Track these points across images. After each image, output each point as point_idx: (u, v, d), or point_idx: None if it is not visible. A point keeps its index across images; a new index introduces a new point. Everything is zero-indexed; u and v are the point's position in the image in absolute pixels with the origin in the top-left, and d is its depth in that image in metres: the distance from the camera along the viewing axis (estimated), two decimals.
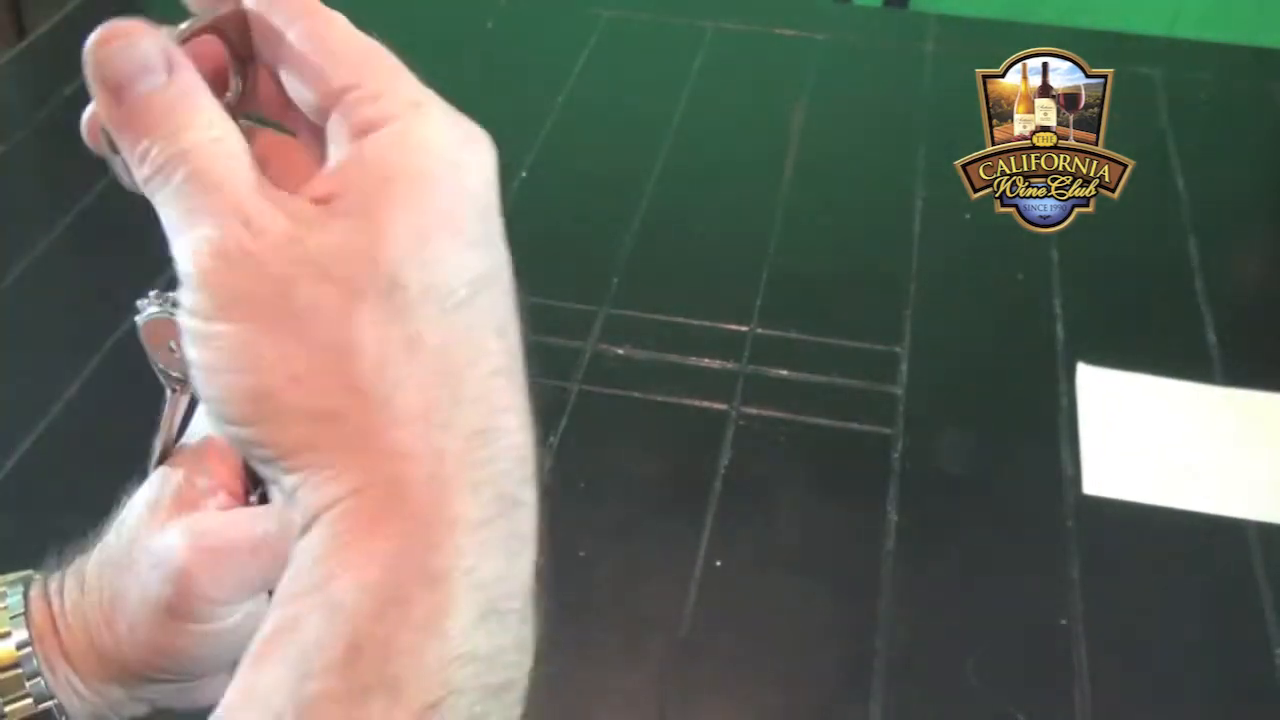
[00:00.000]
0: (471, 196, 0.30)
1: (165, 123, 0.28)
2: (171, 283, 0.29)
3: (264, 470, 0.28)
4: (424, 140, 0.29)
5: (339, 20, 0.31)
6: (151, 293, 0.36)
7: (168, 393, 0.38)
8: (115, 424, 0.40)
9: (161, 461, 0.40)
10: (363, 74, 0.30)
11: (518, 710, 0.28)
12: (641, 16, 1.28)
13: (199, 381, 0.28)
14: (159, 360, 0.37)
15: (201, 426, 0.41)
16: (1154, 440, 0.83)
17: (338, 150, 0.29)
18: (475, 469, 0.27)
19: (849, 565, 0.75)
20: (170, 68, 0.29)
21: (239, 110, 0.32)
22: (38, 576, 0.43)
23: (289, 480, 0.27)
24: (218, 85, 0.31)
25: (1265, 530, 0.77)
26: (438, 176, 0.29)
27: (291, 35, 0.30)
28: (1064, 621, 0.71)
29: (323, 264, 0.27)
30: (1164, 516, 0.78)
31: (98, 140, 0.30)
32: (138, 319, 0.36)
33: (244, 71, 0.32)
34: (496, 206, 0.31)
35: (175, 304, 0.34)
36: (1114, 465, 0.81)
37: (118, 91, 0.28)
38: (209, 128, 0.28)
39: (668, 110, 1.14)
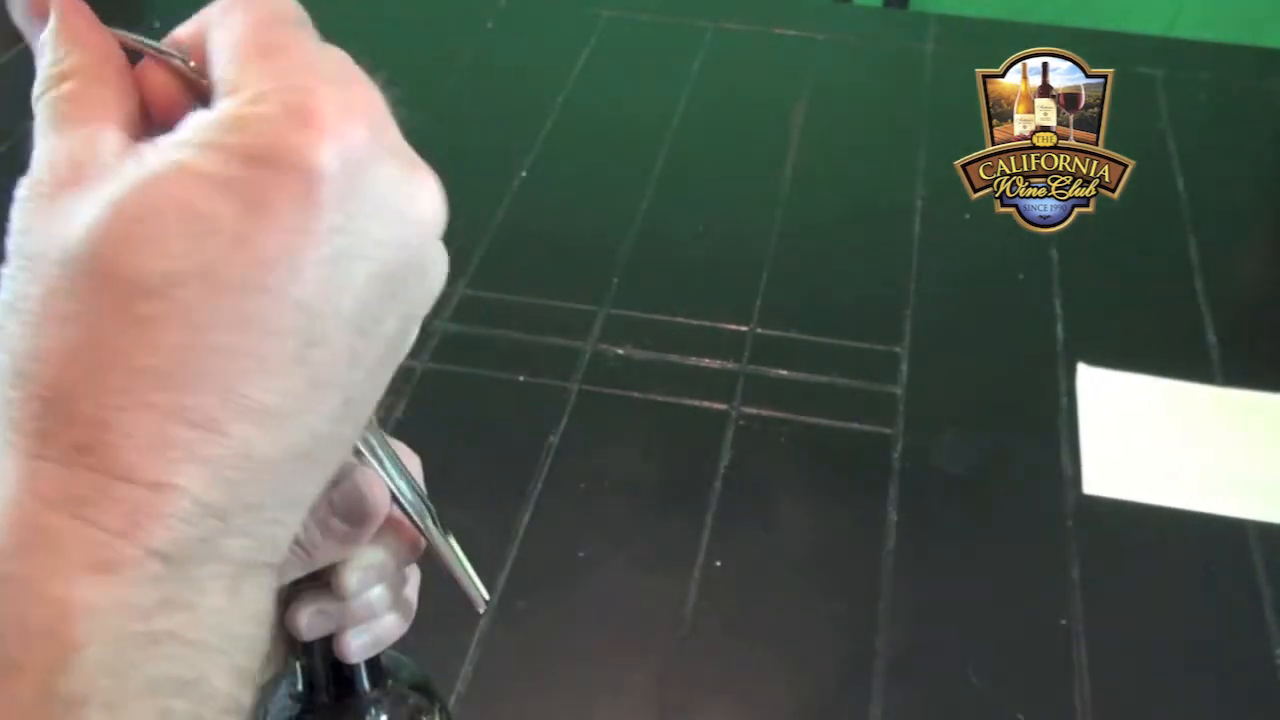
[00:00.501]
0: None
1: (41, 65, 0.29)
2: None
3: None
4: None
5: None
6: None
7: None
8: None
9: None
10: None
11: (203, 660, 0.26)
12: (641, 16, 1.28)
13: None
14: None
15: None
16: (1154, 440, 0.83)
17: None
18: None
19: (849, 565, 0.75)
20: (44, 11, 0.29)
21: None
22: None
23: None
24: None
25: (1265, 530, 0.77)
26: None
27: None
28: (1064, 621, 0.71)
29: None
30: (1164, 516, 0.78)
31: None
32: None
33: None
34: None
35: None
36: (1114, 465, 0.81)
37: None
38: (63, 64, 0.29)
39: (668, 110, 1.14)
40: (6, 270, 0.26)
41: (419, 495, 0.39)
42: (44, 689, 0.24)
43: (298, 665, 0.41)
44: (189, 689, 0.25)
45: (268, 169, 0.25)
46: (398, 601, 0.41)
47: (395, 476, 0.38)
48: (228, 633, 0.26)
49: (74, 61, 0.29)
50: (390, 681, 0.45)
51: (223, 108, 0.27)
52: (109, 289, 0.25)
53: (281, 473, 0.26)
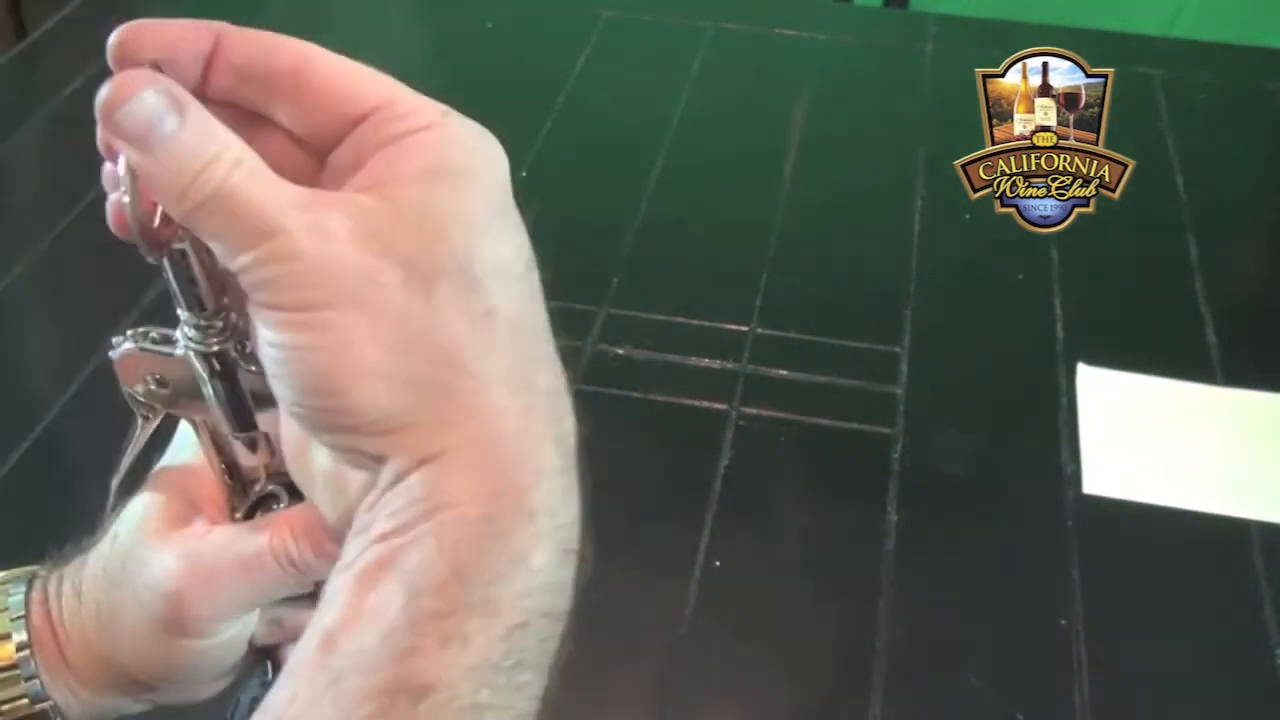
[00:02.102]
0: (504, 185, 0.34)
1: (192, 161, 0.30)
2: (146, 318, 0.30)
3: (341, 444, 0.31)
4: (459, 137, 0.33)
5: (331, 55, 0.34)
6: (127, 332, 0.37)
7: (138, 420, 0.39)
8: (116, 422, 0.40)
9: (125, 482, 0.41)
10: (394, 95, 0.33)
11: (560, 636, 0.32)
12: (641, 16, 1.28)
13: (279, 365, 0.30)
14: (135, 393, 0.38)
15: (179, 455, 0.42)
16: (1154, 440, 0.83)
17: (369, 154, 0.32)
18: (554, 424, 0.33)
19: (849, 565, 0.75)
20: (179, 107, 0.30)
21: None
22: (41, 573, 0.43)
23: (374, 445, 0.30)
24: None
25: (1265, 530, 0.77)
26: (478, 169, 0.32)
27: (308, 69, 0.33)
28: (1064, 621, 0.71)
29: (397, 247, 0.30)
30: (1164, 516, 0.78)
31: (125, 230, 0.32)
32: (112, 354, 0.37)
33: None
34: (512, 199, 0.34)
35: (151, 338, 0.35)
36: (1114, 465, 0.81)
37: (142, 145, 0.30)
38: (231, 152, 0.30)
39: (668, 110, 1.14)
40: None
41: None
42: (507, 639, 0.30)
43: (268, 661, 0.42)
44: (545, 676, 0.32)
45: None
46: None
47: None
48: None
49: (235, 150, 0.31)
50: None
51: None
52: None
53: None
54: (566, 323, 1.01)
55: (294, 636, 0.41)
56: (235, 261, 0.30)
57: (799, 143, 1.12)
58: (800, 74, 1.21)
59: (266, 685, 0.43)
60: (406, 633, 0.28)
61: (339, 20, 1.25)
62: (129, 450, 0.40)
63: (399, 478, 0.30)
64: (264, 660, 0.42)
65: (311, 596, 0.39)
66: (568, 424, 0.33)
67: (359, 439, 0.30)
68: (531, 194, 1.03)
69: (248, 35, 0.33)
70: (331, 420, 0.30)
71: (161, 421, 0.39)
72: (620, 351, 0.88)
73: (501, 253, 0.32)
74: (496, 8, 1.28)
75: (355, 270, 0.29)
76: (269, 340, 0.30)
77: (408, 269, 0.30)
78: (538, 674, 0.31)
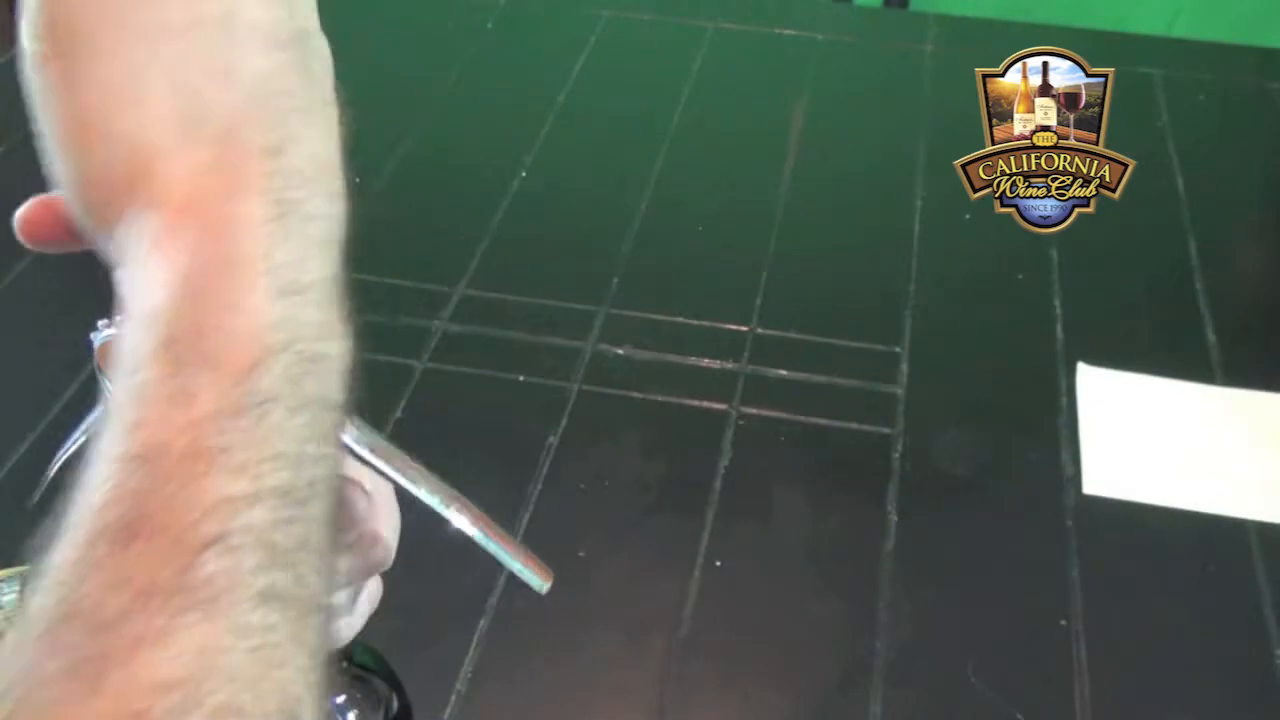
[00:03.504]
0: None
1: None
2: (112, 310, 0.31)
3: (93, 225, 0.31)
4: None
5: None
6: (111, 319, 0.37)
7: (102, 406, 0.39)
8: None
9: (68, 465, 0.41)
10: None
11: (337, 387, 0.29)
12: (641, 16, 1.28)
13: (43, 117, 0.31)
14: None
15: None
16: (1154, 440, 0.83)
17: None
18: (265, 179, 0.30)
19: (849, 565, 0.75)
20: None
21: None
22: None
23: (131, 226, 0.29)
24: None
25: (1265, 530, 0.77)
26: None
27: None
28: (1064, 621, 0.71)
29: None
30: (1164, 516, 0.78)
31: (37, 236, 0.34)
32: (93, 337, 0.37)
33: None
34: None
35: None
36: (1114, 465, 0.81)
37: None
38: None
39: (668, 110, 1.14)
40: None
41: (440, 491, 0.39)
42: (241, 383, 0.27)
43: None
44: (332, 410, 0.29)
45: None
46: (350, 608, 0.42)
47: (412, 479, 0.38)
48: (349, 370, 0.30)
49: None
50: (345, 663, 0.46)
51: None
52: None
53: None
54: (567, 323, 1.01)
55: None
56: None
57: (799, 143, 1.12)
58: (800, 74, 1.21)
59: None
60: (126, 409, 0.27)
61: (340, 20, 1.25)
62: (81, 431, 0.40)
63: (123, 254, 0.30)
64: None
65: None
66: (287, 180, 0.30)
67: (104, 218, 0.30)
68: (532, 194, 1.04)
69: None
70: (84, 196, 0.31)
71: (71, 402, 0.39)
72: (620, 351, 0.88)
73: (266, 18, 0.32)
74: (496, 8, 1.28)
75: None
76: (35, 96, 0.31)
77: (165, 11, 0.30)
78: (290, 415, 0.27)
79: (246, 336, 0.27)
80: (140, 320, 0.28)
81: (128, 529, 0.25)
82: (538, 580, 0.41)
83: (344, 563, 0.40)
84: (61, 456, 0.41)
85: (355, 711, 0.47)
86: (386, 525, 0.41)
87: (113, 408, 0.27)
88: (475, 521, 0.39)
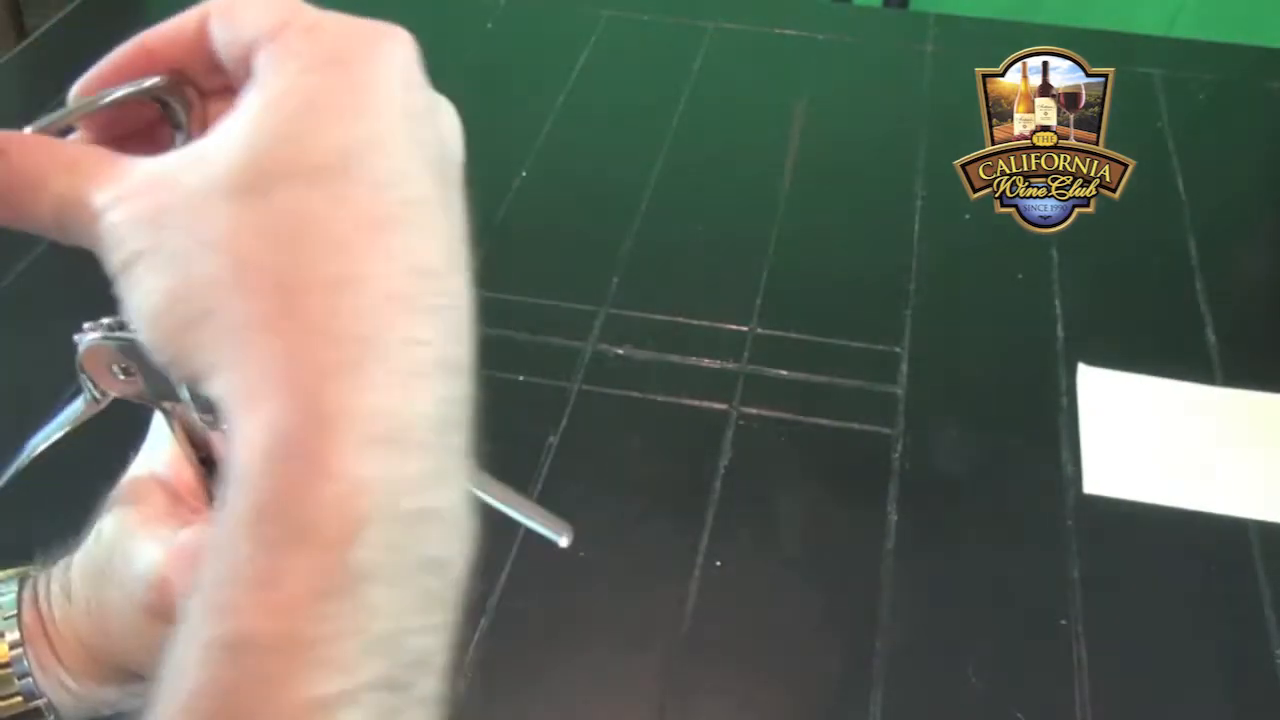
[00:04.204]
0: (358, 82, 0.29)
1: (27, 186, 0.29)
2: (112, 310, 0.30)
3: (201, 387, 0.28)
4: (308, 45, 0.29)
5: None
6: (93, 323, 0.37)
7: (83, 400, 0.39)
8: (115, 422, 0.40)
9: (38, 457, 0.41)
10: (267, 21, 0.30)
11: (450, 541, 0.27)
12: (641, 16, 1.28)
13: (142, 333, 0.28)
14: (101, 384, 0.37)
15: (156, 448, 0.42)
16: (1154, 440, 0.83)
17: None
18: (333, 318, 0.26)
19: (849, 565, 0.75)
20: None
21: None
22: (33, 573, 0.43)
23: (218, 384, 0.27)
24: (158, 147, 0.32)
25: (1265, 530, 0.77)
26: (320, 67, 0.28)
27: (214, 31, 0.31)
28: (1064, 621, 0.71)
29: (197, 178, 0.27)
30: (1164, 516, 0.78)
31: None
32: (78, 344, 0.37)
33: (190, 129, 0.33)
34: (396, 90, 0.30)
35: (115, 328, 0.35)
36: (1114, 465, 0.81)
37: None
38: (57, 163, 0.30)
39: (668, 110, 1.14)
40: None
41: None
42: (334, 561, 0.24)
43: None
44: (444, 570, 0.26)
45: (335, 71, 0.28)
46: None
47: None
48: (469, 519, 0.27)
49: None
50: None
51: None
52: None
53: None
54: (567, 323, 1.01)
55: None
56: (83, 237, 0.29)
57: (799, 143, 1.12)
58: (800, 74, 1.21)
59: None
60: (215, 593, 0.25)
61: None
62: (57, 424, 0.40)
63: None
64: None
65: None
66: (381, 318, 0.26)
67: (209, 380, 0.27)
68: (532, 194, 1.04)
69: (161, 30, 0.32)
70: (187, 365, 0.28)
71: (107, 409, 0.39)
72: (620, 351, 0.88)
73: (307, 148, 0.27)
74: (496, 8, 1.28)
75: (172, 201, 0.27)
76: (121, 284, 0.28)
77: (213, 190, 0.27)
78: (392, 589, 0.25)
79: (339, 503, 0.25)
80: (232, 485, 0.26)
81: None
82: (558, 532, 0.41)
83: None
84: (35, 447, 0.41)
85: None
86: None
87: (205, 585, 0.25)
88: (487, 485, 0.39)
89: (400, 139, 0.28)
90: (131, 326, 0.29)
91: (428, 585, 0.26)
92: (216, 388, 0.27)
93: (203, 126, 0.33)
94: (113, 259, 0.28)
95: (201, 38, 0.31)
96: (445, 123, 0.32)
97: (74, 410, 0.39)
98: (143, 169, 0.28)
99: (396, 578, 0.25)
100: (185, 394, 0.35)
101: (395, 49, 0.30)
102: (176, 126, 0.33)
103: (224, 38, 0.31)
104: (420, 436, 0.26)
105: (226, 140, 0.28)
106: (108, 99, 0.32)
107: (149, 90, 0.32)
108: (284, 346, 0.26)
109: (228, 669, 0.24)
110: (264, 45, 0.29)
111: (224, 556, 0.25)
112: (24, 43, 1.24)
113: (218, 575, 0.25)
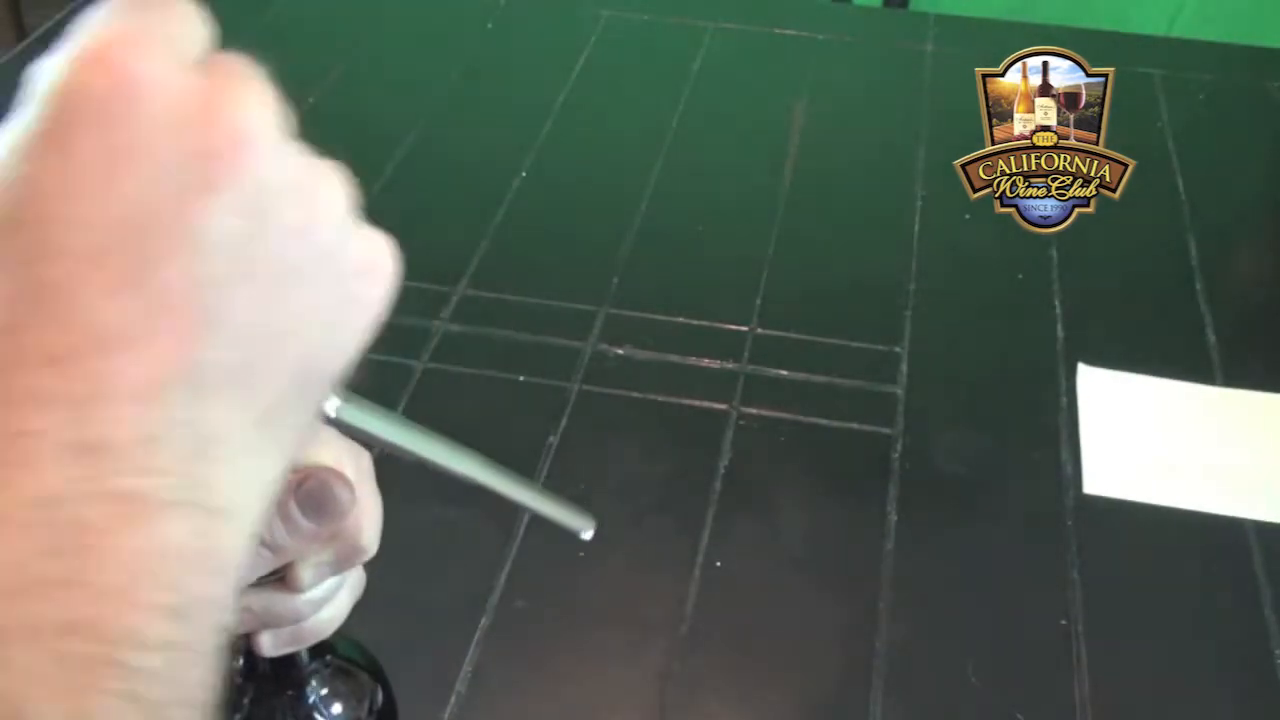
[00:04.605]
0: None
1: None
2: None
3: None
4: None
5: None
6: None
7: None
8: None
9: None
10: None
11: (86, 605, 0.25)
12: (641, 16, 1.28)
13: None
14: None
15: None
16: (1154, 440, 0.83)
17: None
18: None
19: (849, 565, 0.75)
20: None
21: None
22: None
23: None
24: None
25: (1265, 530, 0.77)
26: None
27: None
28: (1064, 621, 0.71)
29: None
30: (1164, 516, 0.78)
31: None
32: None
33: None
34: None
35: None
36: (1114, 465, 0.81)
37: None
38: None
39: (668, 110, 1.14)
40: None
41: (457, 458, 0.38)
42: None
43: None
44: (81, 630, 0.24)
45: (62, 106, 0.26)
46: (333, 600, 0.42)
47: (435, 454, 0.37)
48: (137, 572, 0.25)
49: None
50: (330, 655, 0.46)
51: None
52: None
53: (170, 402, 0.26)
54: (567, 323, 1.01)
55: (266, 623, 0.41)
56: None
57: (799, 143, 1.12)
58: (800, 74, 1.21)
59: (241, 674, 0.43)
60: None
61: (340, 21, 1.25)
62: None
63: None
64: (238, 649, 0.42)
65: (280, 581, 0.39)
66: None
67: None
68: (532, 194, 1.04)
69: None
70: None
71: None
72: (620, 351, 0.88)
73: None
74: (496, 8, 1.28)
75: None
76: None
77: None
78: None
79: None
80: None
81: None
82: (582, 525, 0.41)
83: (327, 554, 0.40)
84: None
85: (340, 704, 0.47)
86: (369, 515, 0.41)
87: None
88: (507, 481, 0.39)
89: (82, 199, 0.26)
90: None
91: (56, 648, 0.24)
92: None
93: None
94: None
95: None
96: None
97: None
98: None
99: (23, 651, 0.24)
100: None
101: (156, 68, 0.27)
102: None
103: None
104: (16, 521, 0.25)
105: None
106: None
107: None
108: None
109: None
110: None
111: None
112: (24, 43, 1.24)
113: None
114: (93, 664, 0.25)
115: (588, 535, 0.41)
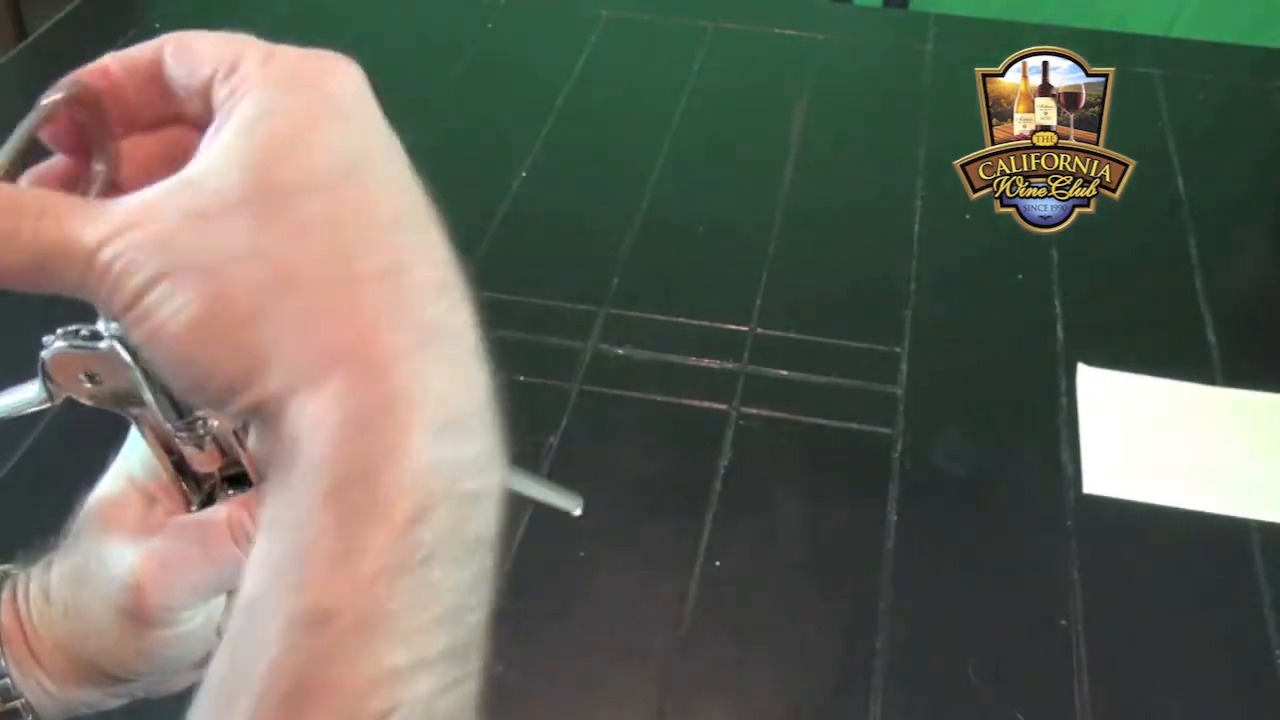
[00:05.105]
0: (330, 98, 0.31)
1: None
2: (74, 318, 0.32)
3: (231, 412, 0.29)
4: (270, 72, 0.31)
5: (200, 34, 0.33)
6: (57, 331, 0.37)
7: (38, 392, 0.39)
8: (105, 428, 0.40)
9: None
10: (223, 55, 0.31)
11: (494, 521, 0.29)
12: (641, 16, 1.28)
13: (163, 353, 0.29)
14: (66, 389, 0.38)
15: (133, 453, 0.42)
16: (1154, 440, 0.83)
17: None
18: (394, 305, 0.29)
19: (849, 565, 0.75)
20: None
21: (112, 185, 0.34)
22: (13, 573, 0.43)
23: (243, 403, 0.28)
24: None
25: (1265, 530, 0.77)
26: (288, 89, 0.30)
27: (168, 63, 0.32)
28: (1064, 621, 0.71)
29: (200, 200, 0.28)
30: (1164, 516, 0.78)
31: None
32: (43, 354, 0.37)
33: (106, 147, 0.34)
34: (363, 106, 0.32)
35: (80, 335, 0.35)
36: (1114, 465, 0.81)
37: None
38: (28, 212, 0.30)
39: (668, 110, 1.14)
40: None
41: None
42: (407, 539, 0.27)
43: None
44: (490, 549, 0.29)
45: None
46: None
47: None
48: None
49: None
50: None
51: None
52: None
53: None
54: (566, 323, 1.01)
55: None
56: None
57: (799, 143, 1.12)
58: (800, 74, 1.21)
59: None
60: (292, 566, 0.27)
61: (339, 21, 1.25)
62: (3, 406, 0.40)
63: (269, 426, 0.29)
64: None
65: None
66: (415, 300, 0.29)
67: (232, 404, 0.29)
68: (532, 194, 1.04)
69: (121, 55, 0.33)
70: (203, 395, 0.29)
71: (79, 413, 0.39)
72: (620, 351, 0.88)
73: (308, 163, 0.29)
74: (496, 8, 1.28)
75: (172, 238, 0.28)
76: (137, 341, 0.29)
77: (218, 219, 0.28)
78: (452, 567, 0.28)
79: (408, 484, 0.27)
80: (304, 470, 0.27)
81: (297, 697, 0.25)
82: (570, 503, 0.41)
83: None
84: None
85: None
86: None
87: (274, 560, 0.27)
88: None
89: (382, 147, 0.31)
90: (132, 342, 0.30)
91: (481, 564, 0.28)
92: (272, 381, 0.28)
93: (119, 157, 0.34)
94: (125, 286, 0.28)
95: (155, 68, 0.32)
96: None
97: (23, 399, 0.39)
98: (123, 205, 0.29)
99: (457, 557, 0.28)
100: (149, 397, 0.36)
101: (349, 71, 0.32)
102: (101, 151, 0.34)
103: (180, 70, 0.32)
104: (475, 421, 0.29)
105: (219, 163, 0.29)
106: (18, 135, 0.33)
107: (49, 109, 0.33)
108: (350, 332, 0.28)
109: (310, 640, 0.26)
110: (224, 77, 0.31)
111: (297, 532, 0.27)
112: (24, 43, 1.24)
113: (293, 550, 0.27)
114: None
115: (577, 512, 0.41)
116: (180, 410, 0.37)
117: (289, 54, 0.31)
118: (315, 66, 0.31)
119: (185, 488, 0.41)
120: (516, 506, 0.80)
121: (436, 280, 0.30)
